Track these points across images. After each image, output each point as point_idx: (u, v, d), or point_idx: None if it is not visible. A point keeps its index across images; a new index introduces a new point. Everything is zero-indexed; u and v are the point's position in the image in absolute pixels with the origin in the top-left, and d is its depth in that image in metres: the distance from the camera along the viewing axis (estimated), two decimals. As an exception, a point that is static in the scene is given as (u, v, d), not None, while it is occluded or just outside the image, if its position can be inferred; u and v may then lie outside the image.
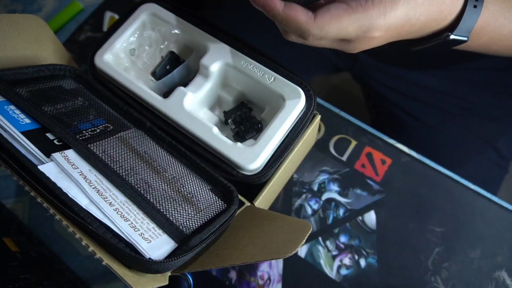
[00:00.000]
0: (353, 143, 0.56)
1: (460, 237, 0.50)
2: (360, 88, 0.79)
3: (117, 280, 0.53)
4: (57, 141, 0.38)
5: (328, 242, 0.51)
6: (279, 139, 0.41)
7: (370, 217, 0.52)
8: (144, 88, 0.44)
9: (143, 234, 0.33)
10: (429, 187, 0.53)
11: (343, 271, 0.50)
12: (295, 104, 0.41)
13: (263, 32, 0.59)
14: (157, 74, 0.46)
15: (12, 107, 0.39)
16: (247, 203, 0.43)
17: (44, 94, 0.42)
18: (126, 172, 0.38)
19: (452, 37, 0.38)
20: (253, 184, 0.42)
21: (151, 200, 0.36)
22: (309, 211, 0.53)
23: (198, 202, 0.38)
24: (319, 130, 0.57)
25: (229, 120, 0.45)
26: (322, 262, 0.51)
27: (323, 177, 0.55)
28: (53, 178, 0.34)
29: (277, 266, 0.51)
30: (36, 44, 0.47)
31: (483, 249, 0.49)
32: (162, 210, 0.36)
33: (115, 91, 0.46)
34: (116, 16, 0.69)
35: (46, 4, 0.73)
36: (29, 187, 0.34)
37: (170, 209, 0.36)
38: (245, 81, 0.45)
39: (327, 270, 0.50)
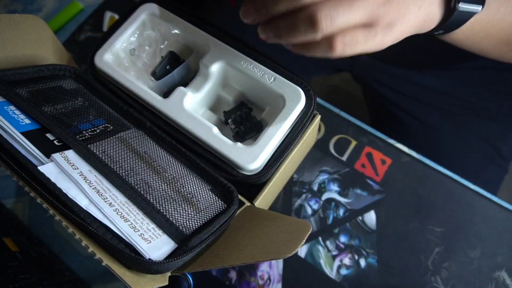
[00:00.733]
0: (353, 143, 0.56)
1: (460, 237, 0.50)
2: (360, 88, 0.79)
3: (117, 280, 0.53)
4: (57, 142, 0.38)
5: (328, 242, 0.51)
6: (279, 139, 0.41)
7: (370, 217, 0.52)
8: (144, 88, 0.44)
9: (143, 235, 0.33)
10: (429, 187, 0.53)
11: (343, 271, 0.50)
12: (295, 104, 0.41)
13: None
14: (157, 74, 0.46)
15: (12, 107, 0.39)
16: (247, 203, 0.43)
17: (44, 94, 0.42)
18: (126, 172, 0.38)
19: (462, 6, 0.36)
20: (253, 184, 0.42)
21: (151, 201, 0.36)
22: (309, 211, 0.53)
23: (198, 202, 0.38)
24: (319, 130, 0.57)
25: (229, 120, 0.45)
26: (322, 262, 0.51)
27: (323, 177, 0.55)
28: (53, 179, 0.34)
29: (277, 266, 0.51)
30: (36, 44, 0.47)
31: (483, 249, 0.49)
32: (162, 211, 0.36)
33: (115, 91, 0.46)
34: (116, 16, 0.69)
35: (46, 4, 0.73)
36: (29, 187, 0.34)
37: (170, 209, 0.36)
38: (245, 81, 0.45)
39: (327, 270, 0.50)
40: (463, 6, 0.35)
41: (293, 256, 0.49)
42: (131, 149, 0.41)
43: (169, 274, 0.35)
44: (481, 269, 0.48)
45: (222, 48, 0.44)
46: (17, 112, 0.39)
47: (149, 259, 0.32)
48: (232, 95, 0.46)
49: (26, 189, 0.34)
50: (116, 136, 0.41)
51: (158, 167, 0.40)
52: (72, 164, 0.36)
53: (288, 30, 0.33)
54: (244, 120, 0.45)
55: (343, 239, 0.51)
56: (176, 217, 0.36)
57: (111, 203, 0.35)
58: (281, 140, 0.42)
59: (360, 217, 0.52)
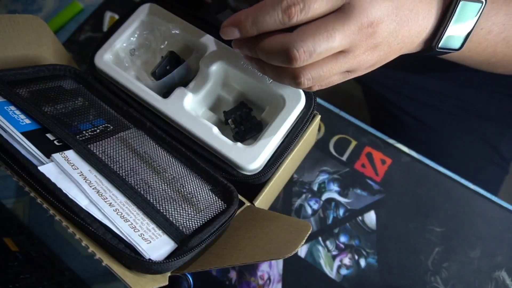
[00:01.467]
0: (353, 143, 0.56)
1: (460, 237, 0.50)
2: (360, 88, 0.79)
3: (117, 280, 0.53)
4: (57, 142, 0.38)
5: (328, 242, 0.51)
6: (279, 139, 0.41)
7: (370, 217, 0.52)
8: (144, 88, 0.44)
9: (143, 235, 0.33)
10: (429, 187, 0.53)
11: (343, 271, 0.50)
12: (295, 104, 0.41)
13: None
14: (157, 74, 0.46)
15: (12, 107, 0.39)
16: (247, 203, 0.43)
17: (44, 94, 0.42)
18: (126, 172, 0.38)
19: (441, 47, 0.36)
20: (253, 184, 0.42)
21: (151, 201, 0.36)
22: (309, 211, 0.53)
23: (198, 202, 0.38)
24: (319, 130, 0.57)
25: (229, 120, 0.45)
26: (322, 262, 0.51)
27: (323, 177, 0.55)
28: (53, 179, 0.34)
29: (277, 266, 0.51)
30: (36, 44, 0.47)
31: (483, 249, 0.49)
32: (162, 211, 0.36)
33: (115, 91, 0.46)
34: (116, 16, 0.69)
35: (46, 4, 0.73)
36: (29, 188, 0.34)
37: (170, 209, 0.36)
38: (245, 81, 0.45)
39: (327, 270, 0.50)
40: (442, 46, 0.36)
41: (293, 256, 0.49)
42: (131, 149, 0.41)
43: (169, 274, 0.35)
44: (481, 269, 0.48)
45: (222, 48, 0.44)
46: (17, 112, 0.39)
47: (149, 259, 0.32)
48: (232, 95, 0.46)
49: (26, 189, 0.34)
50: (116, 136, 0.41)
51: (158, 167, 0.40)
52: (72, 164, 0.36)
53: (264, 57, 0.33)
54: (244, 120, 0.45)
55: (343, 239, 0.51)
56: (176, 217, 0.36)
57: (111, 203, 0.35)
58: (281, 140, 0.42)
59: (360, 217, 0.52)
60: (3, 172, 0.60)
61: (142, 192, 0.37)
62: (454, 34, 0.36)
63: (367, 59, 0.32)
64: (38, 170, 0.34)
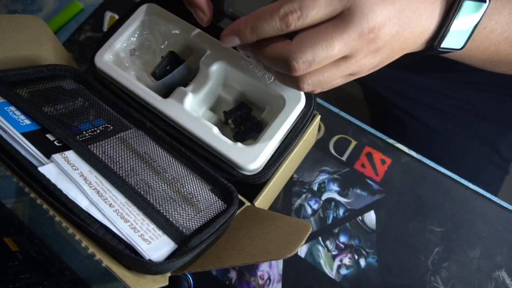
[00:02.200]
0: (353, 143, 0.56)
1: (460, 237, 0.50)
2: (360, 88, 0.79)
3: (117, 280, 0.53)
4: (57, 142, 0.38)
5: (328, 242, 0.52)
6: (279, 139, 0.41)
7: (370, 217, 0.52)
8: (144, 88, 0.44)
9: (143, 235, 0.33)
10: (429, 187, 0.53)
11: (343, 271, 0.50)
12: (295, 104, 0.41)
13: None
14: (157, 74, 0.46)
15: (12, 108, 0.39)
16: (247, 203, 0.43)
17: (44, 94, 0.42)
18: (126, 173, 0.38)
19: (443, 46, 0.36)
20: (253, 184, 0.43)
21: (151, 201, 0.36)
22: (309, 211, 0.53)
23: (198, 202, 0.38)
24: (319, 130, 0.57)
25: (229, 120, 0.45)
26: (322, 262, 0.51)
27: (323, 177, 0.55)
28: (53, 180, 0.34)
29: (277, 266, 0.51)
30: (36, 45, 0.47)
31: (482, 249, 0.49)
32: (162, 211, 0.36)
33: (115, 91, 0.46)
34: (116, 16, 0.69)
35: (46, 4, 0.73)
36: (29, 188, 0.34)
37: (170, 210, 0.36)
38: (245, 81, 0.45)
39: (327, 270, 0.50)
40: (444, 46, 0.36)
41: (293, 256, 0.49)
42: (131, 149, 0.41)
43: (169, 274, 0.35)
44: (480, 269, 0.48)
45: (222, 48, 0.44)
46: (17, 112, 0.39)
47: (149, 259, 0.32)
48: (232, 95, 0.46)
49: (26, 190, 0.34)
50: (116, 136, 0.41)
51: (158, 167, 0.40)
52: (72, 164, 0.36)
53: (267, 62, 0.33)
54: (244, 120, 0.45)
55: (343, 239, 0.51)
56: (176, 218, 0.36)
57: (111, 203, 0.35)
58: (281, 140, 0.42)
59: (360, 217, 0.52)
60: (3, 172, 0.60)
61: (142, 192, 0.37)
62: (457, 33, 0.35)
63: (369, 62, 0.32)
64: (38, 171, 0.34)
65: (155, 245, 0.33)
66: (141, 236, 0.33)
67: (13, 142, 0.36)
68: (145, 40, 0.48)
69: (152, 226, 0.35)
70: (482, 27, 0.38)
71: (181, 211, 0.37)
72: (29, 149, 0.36)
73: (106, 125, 0.42)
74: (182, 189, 0.39)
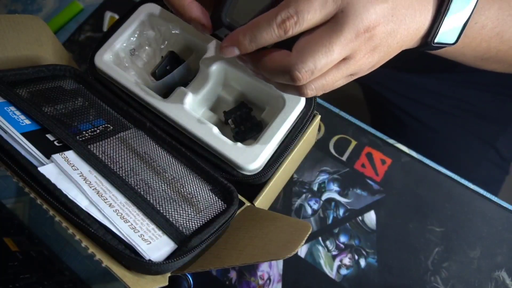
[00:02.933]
0: (353, 143, 0.56)
1: (459, 237, 0.50)
2: (360, 88, 0.79)
3: (117, 280, 0.53)
4: (57, 142, 0.38)
5: (328, 242, 0.52)
6: (279, 139, 0.41)
7: (370, 217, 0.52)
8: (144, 88, 0.44)
9: (143, 236, 0.33)
10: (429, 187, 0.53)
11: (343, 271, 0.50)
12: (295, 104, 0.41)
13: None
14: (157, 74, 0.46)
15: (12, 108, 0.39)
16: (247, 203, 0.43)
17: (44, 94, 0.42)
18: (126, 173, 0.38)
19: (436, 41, 0.36)
20: (253, 184, 0.43)
21: (151, 201, 0.36)
22: (309, 211, 0.53)
23: (198, 202, 0.38)
24: (319, 130, 0.57)
25: (229, 120, 0.45)
26: (322, 262, 0.51)
27: (323, 177, 0.55)
28: (53, 180, 0.34)
29: (277, 266, 0.51)
30: (36, 44, 0.47)
31: (482, 249, 0.49)
32: (162, 211, 0.36)
33: (115, 91, 0.46)
34: (116, 16, 0.69)
35: (46, 4, 0.73)
36: (29, 188, 0.34)
37: (170, 210, 0.36)
38: (245, 81, 0.45)
39: (327, 270, 0.50)
40: (438, 41, 0.36)
41: (293, 256, 0.49)
42: (131, 149, 0.41)
43: (169, 274, 0.35)
44: (480, 269, 0.48)
45: (222, 48, 0.44)
46: (17, 112, 0.39)
47: (149, 260, 0.32)
48: (232, 95, 0.46)
49: (26, 190, 0.34)
50: (116, 136, 0.41)
51: (158, 168, 0.40)
52: (72, 165, 0.36)
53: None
54: (244, 120, 0.45)
55: (343, 239, 0.51)
56: (176, 218, 0.36)
57: (111, 204, 0.35)
58: (281, 140, 0.42)
59: (360, 217, 0.52)
60: (3, 172, 0.60)
61: (142, 192, 0.37)
62: (449, 28, 0.36)
63: (368, 61, 0.33)
64: (38, 171, 0.34)
65: (155, 245, 0.33)
66: (141, 236, 0.33)
67: (13, 142, 0.36)
68: (145, 40, 0.48)
69: (152, 226, 0.35)
70: (474, 22, 0.39)
71: (181, 211, 0.37)
72: (29, 149, 0.36)
73: (106, 125, 0.42)
74: (182, 189, 0.39)
